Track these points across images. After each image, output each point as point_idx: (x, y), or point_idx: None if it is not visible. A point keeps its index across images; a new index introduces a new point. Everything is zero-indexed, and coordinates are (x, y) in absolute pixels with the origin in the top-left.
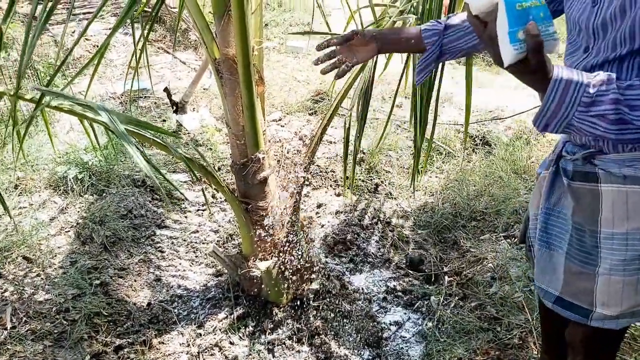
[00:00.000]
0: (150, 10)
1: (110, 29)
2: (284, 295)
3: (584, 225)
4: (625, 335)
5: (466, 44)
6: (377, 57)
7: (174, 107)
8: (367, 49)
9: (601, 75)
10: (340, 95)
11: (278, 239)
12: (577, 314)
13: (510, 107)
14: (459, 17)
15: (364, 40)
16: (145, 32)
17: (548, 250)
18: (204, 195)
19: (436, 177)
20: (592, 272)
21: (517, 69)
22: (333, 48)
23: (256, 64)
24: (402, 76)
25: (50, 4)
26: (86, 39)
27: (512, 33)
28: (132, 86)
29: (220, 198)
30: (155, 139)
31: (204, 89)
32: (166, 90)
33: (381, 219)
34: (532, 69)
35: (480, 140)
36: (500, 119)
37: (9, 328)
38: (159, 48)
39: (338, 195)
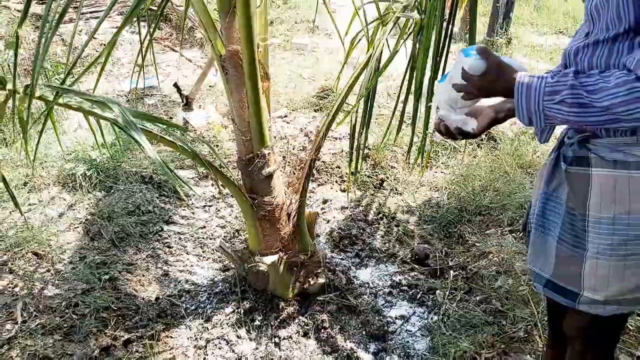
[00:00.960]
0: (156, 8)
1: (117, 27)
2: (291, 290)
3: (575, 209)
4: (631, 327)
5: None
6: (381, 54)
7: (184, 101)
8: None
9: (564, 71)
10: (345, 91)
11: (284, 234)
12: (566, 297)
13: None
14: None
15: (479, 109)
16: (152, 30)
17: (543, 234)
18: (218, 186)
19: (442, 172)
20: (581, 255)
21: (485, 82)
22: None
23: (261, 60)
24: (406, 72)
25: (61, 6)
26: (93, 37)
27: (465, 50)
28: (136, 84)
29: (227, 194)
30: (163, 135)
31: (209, 86)
32: (176, 85)
33: (386, 214)
34: (492, 74)
35: (486, 135)
36: None
37: (19, 322)
38: (165, 46)
39: (343, 191)
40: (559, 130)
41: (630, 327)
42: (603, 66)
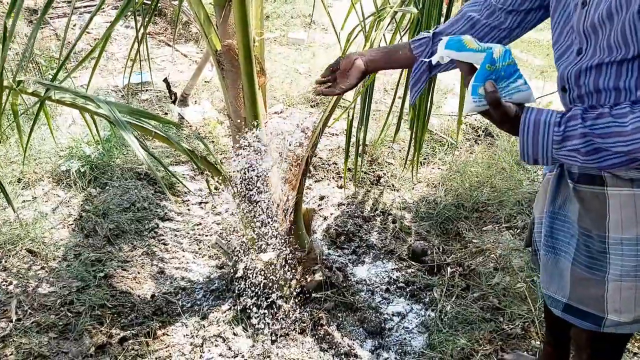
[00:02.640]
0: (150, 2)
1: (110, 22)
2: (287, 287)
3: (591, 230)
4: None
5: None
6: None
7: (173, 98)
8: (356, 70)
9: (571, 112)
10: None
11: (281, 231)
12: (587, 321)
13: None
14: (447, 23)
15: (349, 62)
16: (145, 24)
17: (554, 256)
18: (208, 185)
19: (439, 168)
20: (601, 278)
21: (488, 118)
22: (326, 79)
23: (257, 55)
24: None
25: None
26: (87, 32)
27: (474, 87)
28: (129, 79)
29: (223, 190)
30: (157, 131)
31: (205, 81)
32: (165, 80)
33: (383, 210)
34: (497, 120)
35: (483, 131)
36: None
37: (14, 320)
38: (160, 41)
39: (340, 187)
40: None
41: None
42: (612, 88)
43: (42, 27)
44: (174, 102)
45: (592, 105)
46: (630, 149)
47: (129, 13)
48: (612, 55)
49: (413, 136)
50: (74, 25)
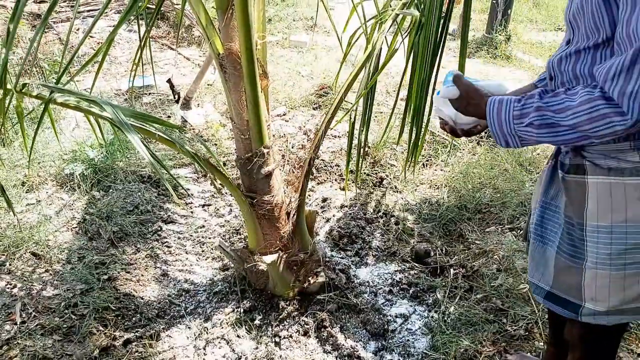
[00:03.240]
0: (153, 6)
1: (114, 25)
2: (290, 289)
3: (573, 219)
4: (632, 325)
5: None
6: (380, 51)
7: (176, 97)
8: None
9: (532, 92)
10: (343, 88)
11: (284, 233)
12: (567, 309)
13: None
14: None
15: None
16: (149, 28)
17: (542, 245)
18: (214, 185)
19: (441, 170)
20: (580, 265)
21: (456, 105)
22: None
23: (260, 58)
24: (405, 69)
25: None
26: (90, 36)
27: (447, 79)
28: (132, 83)
29: (226, 193)
30: (161, 134)
31: (208, 84)
32: (169, 81)
33: (386, 212)
34: (465, 100)
35: (485, 132)
36: None
37: (18, 323)
38: (163, 44)
39: (343, 189)
40: None
41: (631, 324)
42: (587, 74)
43: (45, 32)
44: (177, 102)
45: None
46: (575, 122)
47: (132, 17)
48: (588, 41)
49: (413, 136)
50: (78, 30)
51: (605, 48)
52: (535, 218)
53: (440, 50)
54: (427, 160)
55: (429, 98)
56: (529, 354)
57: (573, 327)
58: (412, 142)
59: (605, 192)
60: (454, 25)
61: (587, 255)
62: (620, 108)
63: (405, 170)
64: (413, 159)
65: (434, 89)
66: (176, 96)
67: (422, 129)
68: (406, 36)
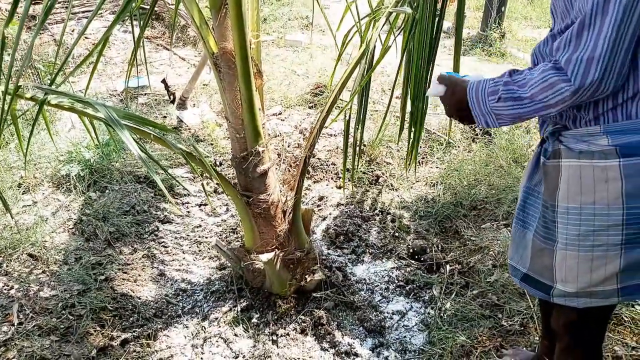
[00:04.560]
0: (148, 7)
1: (108, 26)
2: (287, 287)
3: (547, 201)
4: (625, 318)
5: None
6: (374, 49)
7: (171, 98)
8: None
9: (505, 71)
10: (338, 87)
11: (280, 232)
12: (540, 290)
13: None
14: None
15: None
16: (143, 28)
17: (523, 229)
18: (204, 189)
19: (437, 167)
20: (552, 247)
21: (448, 102)
22: None
23: (254, 57)
24: (399, 67)
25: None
26: (86, 37)
27: (433, 82)
28: (127, 83)
29: (223, 192)
30: (155, 134)
31: (203, 84)
32: (164, 81)
33: (382, 210)
34: (449, 91)
35: (480, 129)
36: None
37: (15, 324)
38: (158, 45)
39: (339, 187)
40: None
41: (624, 317)
42: None
43: (40, 33)
44: (172, 102)
45: None
46: (532, 93)
47: (127, 17)
48: (562, 24)
49: (411, 134)
50: (73, 31)
51: None
52: (518, 203)
53: (434, 47)
54: (423, 158)
55: (425, 97)
56: (524, 348)
57: (558, 316)
58: (410, 141)
59: (576, 174)
60: (448, 23)
61: (558, 237)
62: (566, 75)
63: (407, 167)
64: (412, 157)
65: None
66: (171, 96)
67: (419, 128)
68: (399, 34)
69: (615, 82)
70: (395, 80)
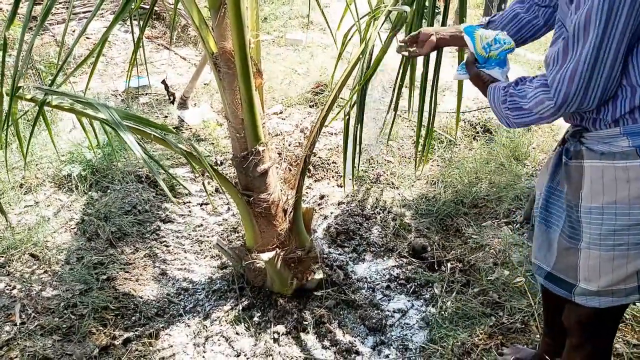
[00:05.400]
0: (148, 7)
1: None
2: (288, 286)
3: (572, 201)
4: (627, 316)
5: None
6: (372, 49)
7: (171, 98)
8: (429, 42)
9: (515, 80)
10: (337, 86)
11: (281, 230)
12: (563, 288)
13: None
14: (499, 13)
15: (426, 35)
16: (143, 28)
17: (546, 228)
18: (205, 188)
19: (438, 165)
20: (577, 247)
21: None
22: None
23: (253, 56)
24: (401, 65)
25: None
26: (87, 37)
27: (462, 64)
28: (127, 83)
29: (224, 191)
30: (156, 134)
31: (204, 84)
32: (163, 82)
33: (383, 208)
34: (473, 82)
35: (482, 127)
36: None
37: (18, 324)
38: (159, 45)
39: (340, 186)
40: (554, 123)
41: (626, 315)
42: None
43: (41, 34)
44: (172, 103)
45: None
46: (529, 106)
47: (127, 17)
48: (561, 33)
49: (421, 135)
50: (73, 31)
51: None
52: (540, 202)
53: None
54: (425, 158)
55: (427, 95)
56: (525, 346)
57: (571, 312)
58: (421, 141)
59: (598, 175)
60: (450, 21)
61: (582, 236)
62: (550, 93)
63: (417, 165)
64: (422, 155)
65: (433, 85)
66: (171, 97)
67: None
68: (399, 31)
69: (601, 97)
70: (396, 79)
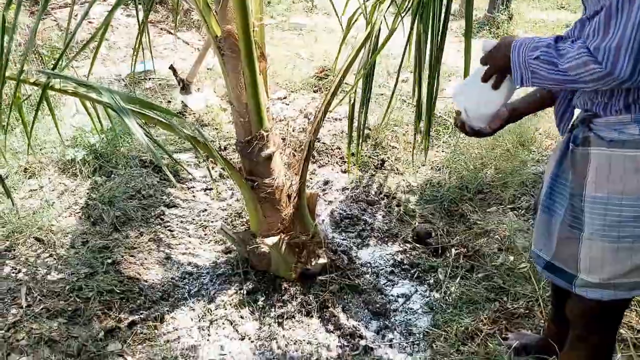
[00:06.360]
0: None
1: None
2: (293, 270)
3: (575, 189)
4: (631, 302)
5: None
6: (379, 30)
7: (181, 84)
8: (499, 119)
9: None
10: (342, 71)
11: (285, 215)
12: (563, 279)
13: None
14: None
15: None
16: (146, 12)
17: (548, 216)
18: (210, 173)
19: (443, 151)
20: (578, 237)
21: (497, 53)
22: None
23: (257, 40)
24: (405, 50)
25: None
26: (89, 21)
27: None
28: (133, 68)
29: (228, 177)
30: (160, 118)
31: (208, 69)
32: (172, 68)
33: (387, 194)
34: (502, 46)
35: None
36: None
37: (24, 307)
38: (161, 29)
39: (344, 172)
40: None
41: (632, 303)
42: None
43: (43, 18)
44: (183, 89)
45: None
46: (566, 67)
47: (130, 1)
48: (592, 9)
49: (422, 122)
50: (76, 15)
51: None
52: (545, 190)
53: (443, 30)
54: (427, 143)
55: (434, 81)
56: (529, 331)
57: (575, 304)
58: (423, 125)
59: (605, 163)
60: (455, 4)
61: (584, 226)
62: (597, 59)
63: (425, 149)
64: (424, 142)
65: (438, 71)
66: (180, 83)
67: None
68: (405, 15)
69: None
70: (401, 64)
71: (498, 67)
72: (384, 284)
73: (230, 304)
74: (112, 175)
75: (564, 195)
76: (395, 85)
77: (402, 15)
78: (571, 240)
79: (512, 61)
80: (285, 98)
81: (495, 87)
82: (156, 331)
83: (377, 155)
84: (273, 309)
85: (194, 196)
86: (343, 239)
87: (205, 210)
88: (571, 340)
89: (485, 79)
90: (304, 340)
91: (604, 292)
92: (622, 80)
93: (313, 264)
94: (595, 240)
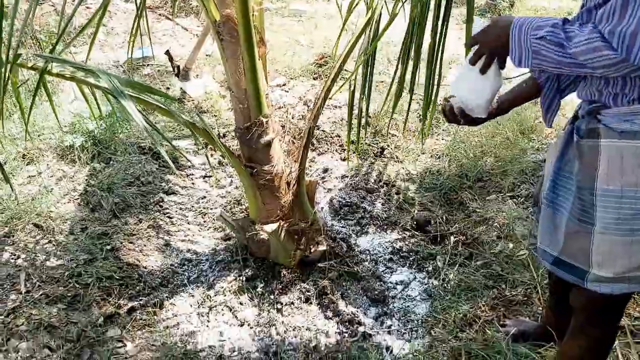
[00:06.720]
0: None
1: None
2: (292, 257)
3: (584, 182)
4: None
5: None
6: (380, 18)
7: (176, 71)
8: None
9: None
10: (342, 58)
11: (284, 203)
12: (574, 275)
13: (518, 68)
14: None
15: None
16: None
17: (552, 211)
18: (208, 160)
19: (443, 139)
20: (589, 231)
21: (489, 33)
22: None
23: (257, 25)
24: (406, 37)
25: None
26: (87, 7)
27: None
28: (130, 54)
29: (227, 164)
30: (159, 104)
31: (206, 55)
32: (167, 53)
33: (387, 182)
34: (493, 25)
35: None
36: (507, 78)
37: (23, 292)
38: (160, 15)
39: (344, 159)
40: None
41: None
42: None
43: (41, 3)
44: (177, 75)
45: None
46: (575, 51)
47: None
48: (588, 4)
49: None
50: (73, 1)
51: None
52: (548, 184)
53: (445, 15)
54: (429, 130)
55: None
56: (527, 318)
57: (579, 294)
58: (422, 111)
59: (617, 155)
60: None
61: (596, 220)
62: (611, 45)
63: (422, 136)
64: (423, 129)
65: (440, 56)
66: (176, 69)
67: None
68: (406, 0)
69: None
70: (401, 50)
71: (489, 47)
72: (382, 271)
73: (230, 291)
74: (111, 162)
75: (569, 188)
76: (395, 73)
77: (403, 0)
78: (580, 235)
79: (512, 39)
80: (284, 85)
81: (484, 70)
82: (155, 317)
83: (377, 143)
84: (272, 296)
85: (193, 183)
86: (342, 227)
87: (205, 197)
88: (572, 330)
89: (474, 60)
90: (302, 326)
91: (615, 286)
92: (637, 66)
93: (312, 251)
94: (608, 234)
